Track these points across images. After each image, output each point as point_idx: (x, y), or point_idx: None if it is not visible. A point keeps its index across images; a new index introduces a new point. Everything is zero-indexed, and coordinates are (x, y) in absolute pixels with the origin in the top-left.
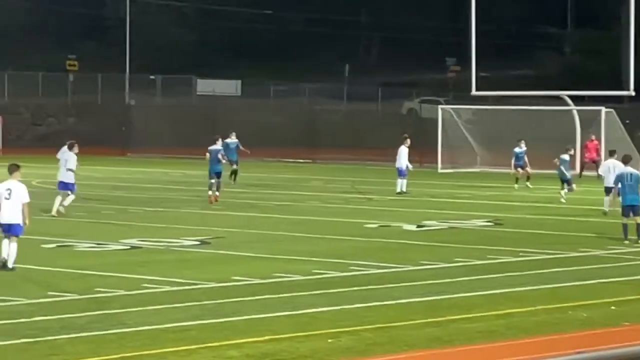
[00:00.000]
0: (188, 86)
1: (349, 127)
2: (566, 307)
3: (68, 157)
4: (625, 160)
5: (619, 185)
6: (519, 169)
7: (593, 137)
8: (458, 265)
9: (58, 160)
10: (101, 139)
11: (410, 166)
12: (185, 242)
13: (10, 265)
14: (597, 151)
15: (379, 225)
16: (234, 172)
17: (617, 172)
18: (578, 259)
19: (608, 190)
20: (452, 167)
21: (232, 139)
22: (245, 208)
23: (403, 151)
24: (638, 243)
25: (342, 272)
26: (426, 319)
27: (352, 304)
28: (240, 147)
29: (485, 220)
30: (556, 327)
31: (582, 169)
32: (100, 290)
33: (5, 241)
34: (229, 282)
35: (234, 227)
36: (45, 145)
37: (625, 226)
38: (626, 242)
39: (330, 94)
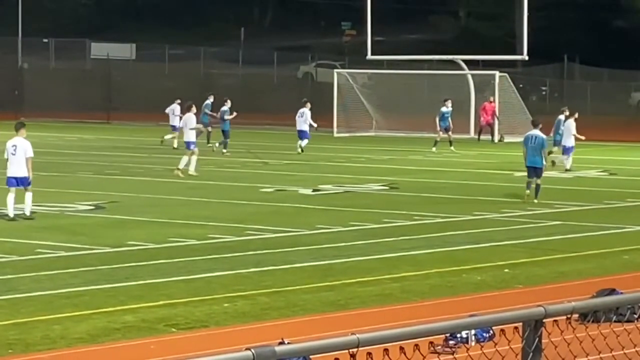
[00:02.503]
0: (82, 50)
1: (245, 91)
2: (460, 270)
3: (187, 118)
4: (534, 124)
5: (525, 147)
6: (442, 132)
7: (491, 99)
8: (353, 229)
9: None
10: None
11: (314, 125)
12: (80, 207)
13: (28, 213)
14: (494, 113)
15: (275, 190)
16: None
17: (525, 134)
18: (472, 223)
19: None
20: (348, 132)
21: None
22: (141, 172)
23: (307, 114)
24: (534, 202)
25: (238, 236)
26: (322, 283)
27: (248, 269)
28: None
29: (381, 184)
30: (450, 290)
31: (480, 133)
32: None
33: (11, 196)
34: (124, 247)
35: (129, 191)
36: None
37: (528, 182)
38: (527, 192)
39: (226, 58)
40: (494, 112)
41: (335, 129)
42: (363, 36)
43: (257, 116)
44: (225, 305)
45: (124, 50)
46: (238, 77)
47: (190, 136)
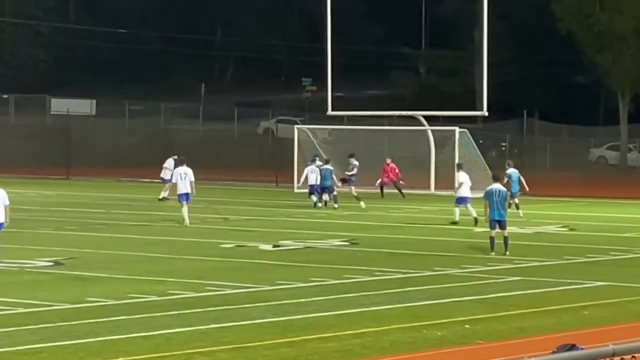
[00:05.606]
0: (42, 105)
1: (205, 147)
2: (420, 325)
3: (187, 171)
4: (495, 178)
5: (489, 200)
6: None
7: (389, 161)
8: (314, 285)
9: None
10: None
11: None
12: (39, 263)
13: None
14: (395, 173)
15: (235, 245)
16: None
17: (487, 188)
18: (432, 278)
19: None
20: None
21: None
22: (100, 228)
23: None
24: (506, 254)
25: (198, 292)
26: (282, 339)
27: (208, 325)
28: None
29: (342, 240)
30: (410, 346)
31: (382, 188)
32: None
33: None
34: (83, 303)
35: (88, 247)
36: None
37: (492, 239)
38: (492, 253)
39: (186, 114)
40: (394, 171)
41: (295, 185)
42: (323, 92)
43: (218, 172)
44: None
45: (83, 106)
46: (198, 133)
47: (190, 188)
